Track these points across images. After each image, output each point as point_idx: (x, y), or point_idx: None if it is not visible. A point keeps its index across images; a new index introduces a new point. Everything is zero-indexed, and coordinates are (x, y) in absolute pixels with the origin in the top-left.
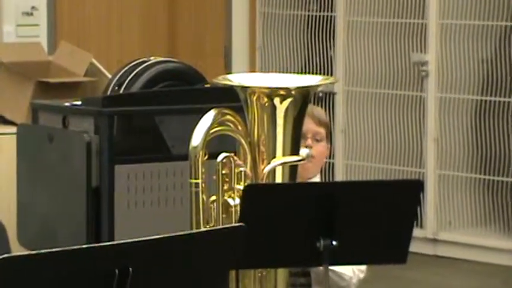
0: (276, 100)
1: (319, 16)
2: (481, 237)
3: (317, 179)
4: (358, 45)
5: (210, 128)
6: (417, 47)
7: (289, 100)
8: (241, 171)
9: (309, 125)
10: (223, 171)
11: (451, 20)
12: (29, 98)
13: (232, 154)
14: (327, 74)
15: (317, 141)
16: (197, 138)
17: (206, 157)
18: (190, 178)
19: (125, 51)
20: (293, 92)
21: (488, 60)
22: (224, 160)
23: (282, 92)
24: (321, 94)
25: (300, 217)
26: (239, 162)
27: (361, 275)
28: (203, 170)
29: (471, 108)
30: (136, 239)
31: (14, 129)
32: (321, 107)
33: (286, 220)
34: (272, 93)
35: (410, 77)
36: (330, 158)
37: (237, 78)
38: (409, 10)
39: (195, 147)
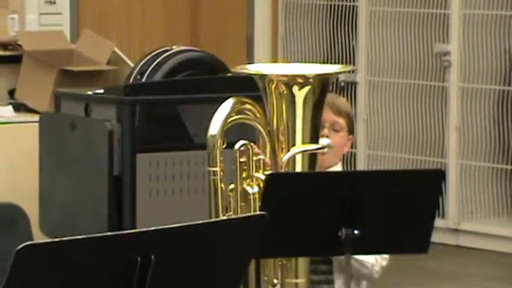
0: (295, 88)
1: (342, 5)
2: (503, 228)
3: (339, 168)
4: (381, 35)
5: (228, 116)
6: (439, 37)
7: (307, 88)
8: (259, 159)
9: (327, 115)
10: (242, 159)
11: (474, 10)
12: (52, 87)
13: (251, 143)
14: (349, 64)
15: (335, 131)
16: (215, 126)
17: (224, 146)
18: (209, 166)
19: (147, 40)
20: (311, 80)
21: (510, 50)
22: (242, 148)
23: (300, 80)
24: (343, 84)
25: (321, 206)
26: (257, 150)
27: (384, 262)
28: (221, 158)
29: (493, 98)
30: (158, 227)
31: (36, 117)
32: (343, 96)
33: (308, 209)
34: (290, 81)
35: (432, 67)
36: (351, 147)
37: (256, 68)
38: (432, 0)
39: (213, 136)
